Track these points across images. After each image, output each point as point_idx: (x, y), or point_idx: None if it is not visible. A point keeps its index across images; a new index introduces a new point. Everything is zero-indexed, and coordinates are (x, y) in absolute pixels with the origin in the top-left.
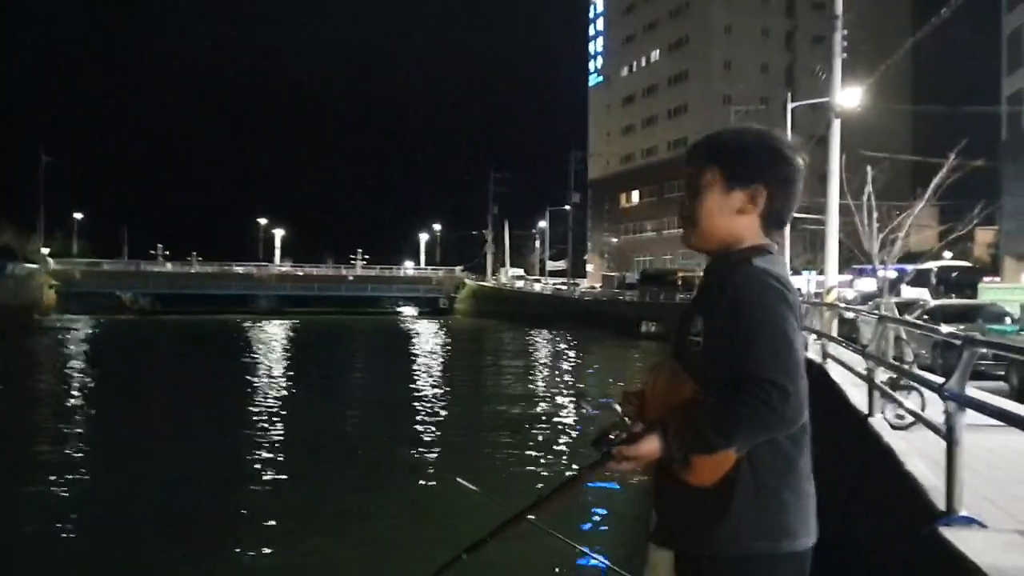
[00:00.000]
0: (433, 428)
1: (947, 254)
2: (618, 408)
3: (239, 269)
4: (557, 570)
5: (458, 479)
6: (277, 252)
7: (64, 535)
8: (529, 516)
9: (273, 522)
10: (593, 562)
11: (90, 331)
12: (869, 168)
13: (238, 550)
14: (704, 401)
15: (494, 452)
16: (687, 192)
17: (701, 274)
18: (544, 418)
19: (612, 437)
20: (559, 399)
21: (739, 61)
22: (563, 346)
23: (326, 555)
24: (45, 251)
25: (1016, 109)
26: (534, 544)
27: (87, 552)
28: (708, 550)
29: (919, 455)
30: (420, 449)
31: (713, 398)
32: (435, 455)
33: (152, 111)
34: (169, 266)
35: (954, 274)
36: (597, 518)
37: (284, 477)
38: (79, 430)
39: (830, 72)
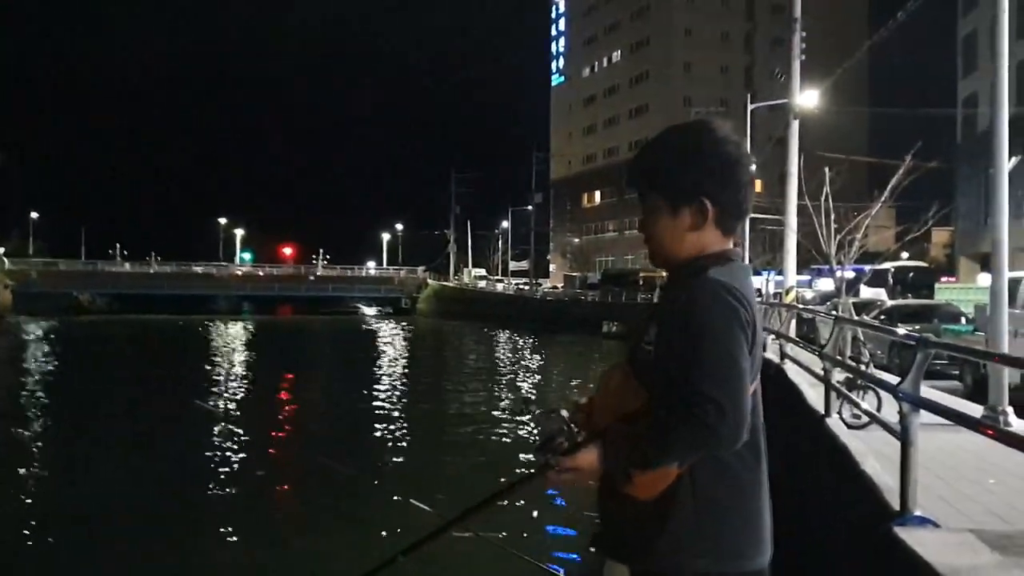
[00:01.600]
0: (388, 440)
1: (904, 255)
2: (565, 415)
3: (199, 269)
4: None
5: (411, 500)
6: (237, 252)
7: (10, 543)
8: (468, 518)
9: (216, 530)
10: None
11: (46, 333)
12: (827, 169)
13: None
14: (644, 415)
15: (449, 464)
16: (642, 214)
17: (663, 274)
18: (502, 425)
19: (556, 444)
20: (520, 402)
21: (699, 63)
22: (525, 347)
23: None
24: (0, 251)
25: (971, 112)
26: (493, 562)
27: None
28: (645, 564)
29: (874, 455)
30: (370, 465)
31: (652, 412)
32: (387, 470)
33: (109, 109)
34: (127, 266)
35: (910, 275)
36: (558, 535)
37: (231, 489)
38: (28, 434)
39: (789, 74)
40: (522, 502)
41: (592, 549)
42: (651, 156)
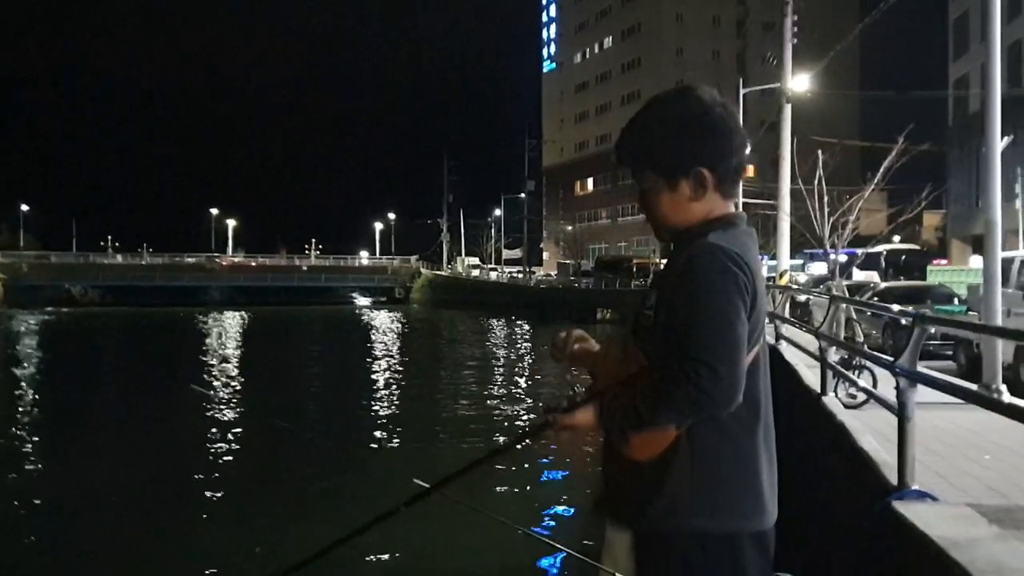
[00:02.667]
0: (389, 423)
1: (896, 237)
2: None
3: (191, 260)
4: (517, 559)
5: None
6: (230, 243)
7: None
8: (474, 469)
9: (217, 512)
10: (552, 548)
11: (37, 325)
12: (820, 152)
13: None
14: (641, 377)
15: (449, 446)
16: (639, 191)
17: (656, 261)
18: (497, 412)
19: (556, 403)
20: (514, 390)
21: (691, 48)
22: (519, 334)
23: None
24: None
25: (962, 94)
26: (494, 535)
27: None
28: (645, 525)
29: (871, 432)
30: (372, 446)
31: (649, 374)
32: (392, 450)
33: (100, 101)
34: (119, 258)
35: (903, 257)
36: (558, 508)
37: (225, 470)
38: (18, 430)
39: (781, 59)
40: (516, 472)
41: (593, 513)
42: (639, 133)
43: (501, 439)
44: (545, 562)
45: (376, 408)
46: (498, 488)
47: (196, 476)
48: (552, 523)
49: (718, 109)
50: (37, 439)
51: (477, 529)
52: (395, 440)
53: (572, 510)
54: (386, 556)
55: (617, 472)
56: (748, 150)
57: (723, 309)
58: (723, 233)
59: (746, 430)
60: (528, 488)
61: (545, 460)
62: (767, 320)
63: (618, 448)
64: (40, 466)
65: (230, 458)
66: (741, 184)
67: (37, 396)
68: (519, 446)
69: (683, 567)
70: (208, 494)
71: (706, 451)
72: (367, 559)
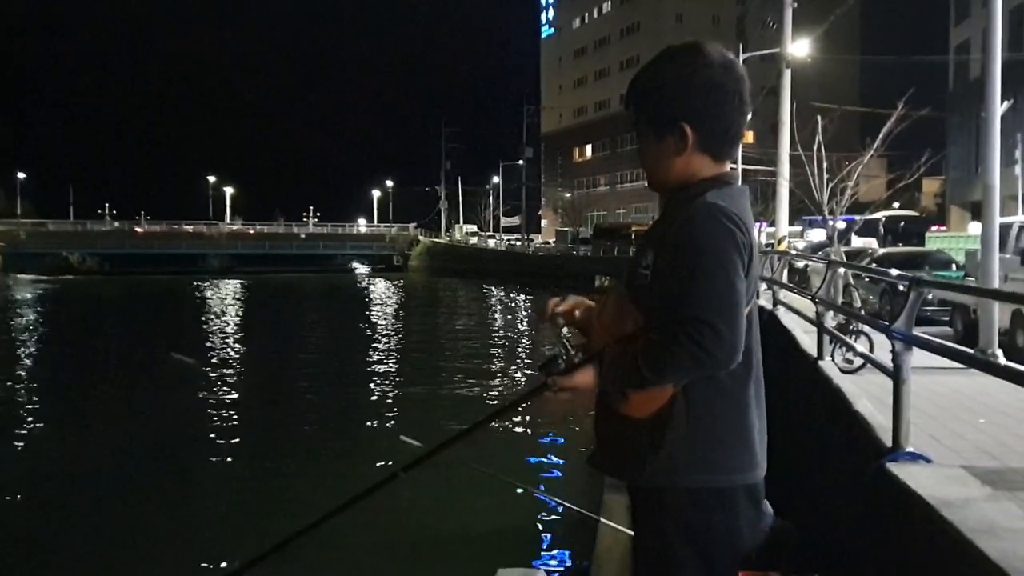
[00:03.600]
0: (388, 391)
1: (895, 204)
2: (566, 333)
3: (189, 228)
4: (515, 514)
5: (402, 437)
6: (227, 211)
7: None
8: (472, 434)
9: (218, 475)
10: (550, 503)
11: (36, 293)
12: (820, 118)
13: (188, 519)
14: (639, 337)
15: (450, 411)
16: (637, 138)
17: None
18: (498, 376)
19: (555, 365)
20: (512, 356)
21: (690, 12)
22: (517, 302)
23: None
24: None
25: (963, 58)
26: (495, 493)
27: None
28: (641, 481)
29: (867, 396)
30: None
31: (649, 334)
32: (391, 418)
33: (95, 67)
34: (117, 226)
35: (901, 223)
36: (556, 469)
37: (233, 439)
38: (18, 397)
39: (781, 23)
40: (514, 433)
41: (590, 468)
42: (642, 80)
43: (497, 403)
44: (544, 518)
45: (375, 375)
46: (498, 449)
47: (195, 443)
48: (550, 481)
49: (715, 69)
50: (32, 411)
51: (477, 489)
52: (395, 407)
53: (564, 469)
54: (387, 518)
55: (613, 430)
56: (748, 116)
57: (724, 269)
58: (720, 192)
59: (740, 385)
60: (526, 447)
61: (541, 420)
62: (764, 286)
63: (615, 406)
64: (34, 437)
65: (226, 425)
66: (741, 149)
67: (30, 367)
68: (520, 407)
69: (680, 522)
70: (208, 459)
71: (702, 407)
72: (370, 522)
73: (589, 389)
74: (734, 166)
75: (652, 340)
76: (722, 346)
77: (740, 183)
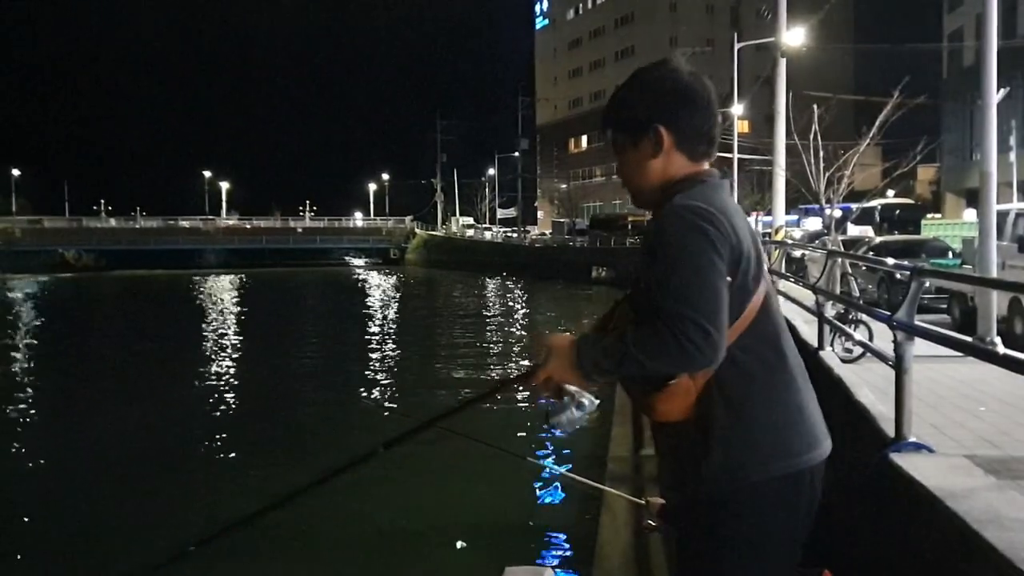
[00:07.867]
0: (384, 377)
1: (890, 192)
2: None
3: (185, 223)
4: (519, 482)
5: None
6: (223, 206)
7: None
8: (458, 413)
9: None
10: (552, 472)
11: (32, 290)
12: (815, 107)
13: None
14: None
15: (446, 396)
16: (616, 157)
17: (651, 217)
18: (491, 366)
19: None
20: (507, 347)
21: (685, 2)
22: (515, 293)
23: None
24: None
25: (957, 46)
26: (497, 463)
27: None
28: (703, 488)
29: (868, 386)
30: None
31: (633, 327)
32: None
33: (91, 63)
34: (112, 222)
35: (897, 212)
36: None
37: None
38: (22, 393)
39: (775, 12)
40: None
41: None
42: (614, 99)
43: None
44: (543, 487)
45: (372, 364)
46: (495, 422)
47: (191, 436)
48: (546, 452)
49: (682, 74)
50: (28, 409)
51: (474, 461)
52: (392, 391)
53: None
54: (381, 491)
55: (666, 443)
56: (719, 120)
57: (698, 266)
58: (690, 192)
59: (773, 370)
60: (519, 420)
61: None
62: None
63: (647, 414)
64: (30, 433)
65: (224, 408)
66: (737, 139)
67: (30, 364)
68: (514, 387)
69: (751, 519)
70: (202, 450)
71: (737, 401)
72: (377, 515)
73: (566, 369)
74: (728, 155)
75: (642, 323)
76: (710, 341)
77: (718, 178)
